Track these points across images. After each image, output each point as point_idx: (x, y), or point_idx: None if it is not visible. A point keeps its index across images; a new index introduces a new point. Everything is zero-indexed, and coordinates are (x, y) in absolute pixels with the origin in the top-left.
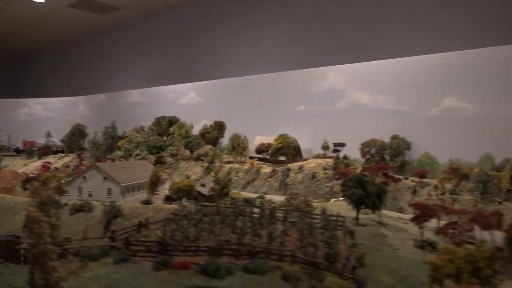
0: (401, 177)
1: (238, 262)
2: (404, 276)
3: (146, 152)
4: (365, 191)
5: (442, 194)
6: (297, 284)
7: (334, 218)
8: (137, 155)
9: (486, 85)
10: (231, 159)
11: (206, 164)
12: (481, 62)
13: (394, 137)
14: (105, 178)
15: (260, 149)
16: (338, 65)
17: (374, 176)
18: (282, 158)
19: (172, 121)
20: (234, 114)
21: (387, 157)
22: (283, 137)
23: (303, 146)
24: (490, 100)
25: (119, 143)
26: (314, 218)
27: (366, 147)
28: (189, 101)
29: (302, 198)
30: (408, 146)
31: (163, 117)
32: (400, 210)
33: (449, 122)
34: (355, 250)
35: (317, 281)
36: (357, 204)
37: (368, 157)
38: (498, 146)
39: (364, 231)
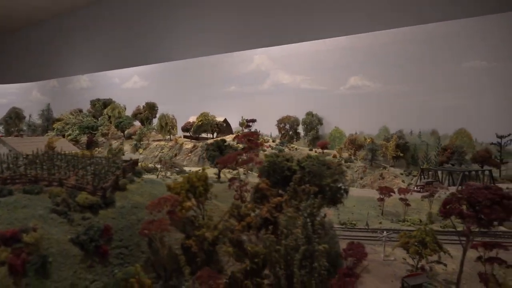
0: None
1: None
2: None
3: (77, 132)
4: (222, 154)
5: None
6: (55, 199)
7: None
8: (69, 135)
9: (385, 65)
10: (161, 137)
11: (135, 142)
12: (381, 44)
13: (308, 114)
14: (10, 151)
15: (185, 127)
16: (263, 48)
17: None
18: (204, 135)
19: (107, 103)
20: (174, 96)
21: (301, 132)
22: (203, 115)
23: (234, 124)
24: (388, 78)
25: (54, 125)
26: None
27: (281, 123)
28: (134, 85)
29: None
30: (320, 121)
31: (98, 100)
32: None
33: (354, 99)
34: (118, 180)
35: (71, 197)
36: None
37: (283, 132)
38: (394, 119)
39: (219, 186)
